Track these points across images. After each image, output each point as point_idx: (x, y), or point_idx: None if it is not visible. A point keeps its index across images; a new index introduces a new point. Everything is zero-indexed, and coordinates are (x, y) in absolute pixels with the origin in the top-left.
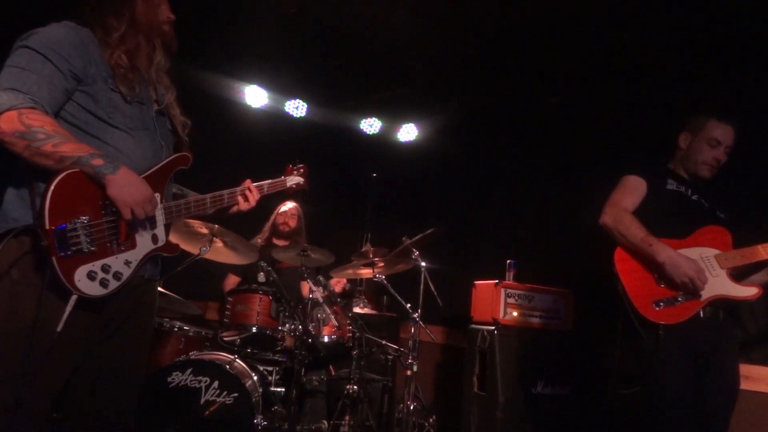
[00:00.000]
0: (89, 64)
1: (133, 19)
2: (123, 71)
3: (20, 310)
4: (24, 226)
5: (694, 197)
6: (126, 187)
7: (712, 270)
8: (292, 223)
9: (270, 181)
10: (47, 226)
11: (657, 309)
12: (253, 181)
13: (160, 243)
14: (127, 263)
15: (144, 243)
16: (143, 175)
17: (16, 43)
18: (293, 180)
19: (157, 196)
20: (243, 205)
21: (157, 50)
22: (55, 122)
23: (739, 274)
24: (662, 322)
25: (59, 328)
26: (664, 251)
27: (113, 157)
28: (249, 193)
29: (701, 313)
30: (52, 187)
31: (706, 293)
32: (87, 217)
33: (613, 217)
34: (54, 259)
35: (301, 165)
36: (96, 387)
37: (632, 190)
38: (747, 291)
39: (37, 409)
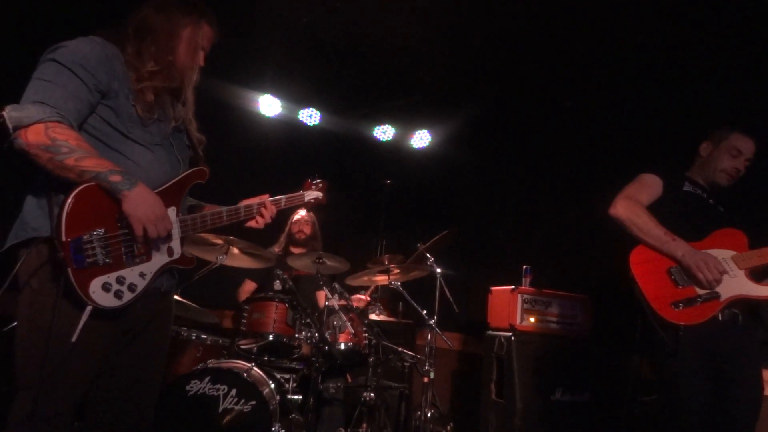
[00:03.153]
0: (113, 79)
1: (173, 63)
2: (145, 105)
3: (40, 319)
4: (35, 230)
5: (711, 201)
6: (141, 204)
7: (730, 271)
8: (307, 230)
9: (287, 195)
10: (64, 238)
11: (676, 310)
12: (271, 194)
13: (176, 256)
14: (142, 275)
15: (159, 256)
16: (160, 189)
17: (43, 56)
18: (311, 195)
19: (173, 209)
20: (259, 222)
21: (185, 90)
22: (80, 137)
23: (757, 275)
24: (682, 323)
25: (74, 339)
26: (684, 245)
27: (131, 174)
28: (264, 210)
29: (720, 316)
30: (69, 200)
31: (726, 293)
32: (103, 230)
33: (629, 210)
34: (69, 270)
35: (319, 180)
36: (114, 395)
37: (648, 187)
38: (767, 290)
39: (57, 418)
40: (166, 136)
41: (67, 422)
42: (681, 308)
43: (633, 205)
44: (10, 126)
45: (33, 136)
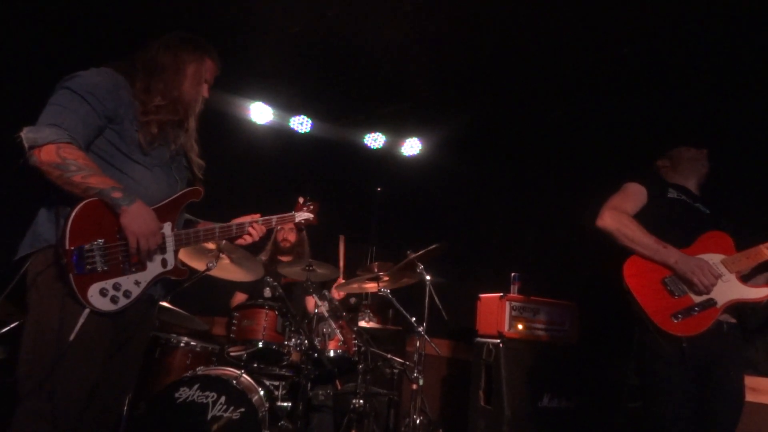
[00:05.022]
0: (120, 106)
1: (179, 98)
2: (149, 136)
3: (44, 320)
4: (45, 241)
5: (696, 205)
6: (137, 218)
7: (722, 276)
8: (292, 238)
9: (279, 216)
10: (67, 246)
11: (676, 322)
12: (259, 208)
13: (169, 267)
14: (137, 283)
15: (154, 266)
16: (157, 206)
17: (58, 84)
18: (302, 216)
19: (169, 224)
20: (247, 239)
21: (189, 120)
22: (87, 157)
23: (747, 276)
24: (685, 335)
25: (71, 338)
26: (675, 252)
27: (131, 192)
28: (252, 230)
29: None
30: (73, 213)
31: (722, 299)
32: (103, 240)
33: (616, 221)
34: (71, 275)
35: (311, 203)
36: (94, 396)
37: (632, 196)
38: (759, 292)
39: (65, 416)
40: (166, 159)
41: (75, 421)
42: (680, 319)
43: (620, 216)
44: (26, 145)
45: (46, 155)
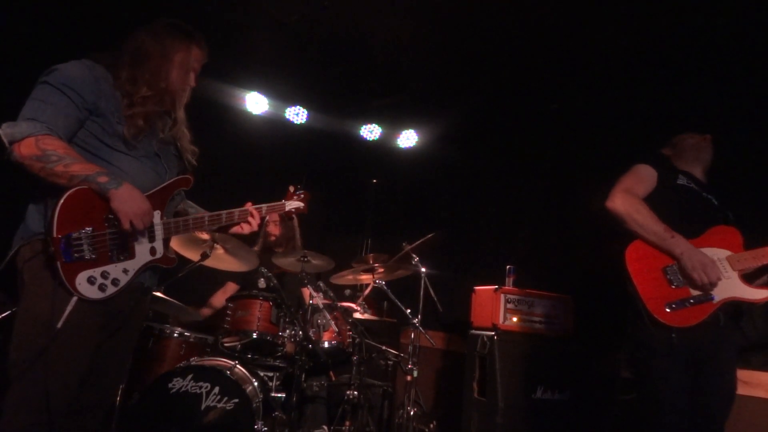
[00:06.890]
0: (100, 98)
1: (166, 88)
2: (135, 130)
3: (33, 308)
4: (34, 233)
5: (705, 194)
6: (127, 200)
7: (724, 272)
8: (276, 231)
9: (269, 204)
10: (54, 235)
11: (669, 311)
12: (254, 199)
13: (158, 255)
14: (125, 271)
15: (142, 254)
16: (145, 194)
17: (39, 78)
18: (293, 204)
19: (158, 213)
20: (244, 228)
21: (176, 109)
22: (68, 146)
23: (749, 276)
24: (675, 325)
25: (59, 325)
26: (684, 243)
27: (118, 175)
28: (251, 219)
29: None
30: (60, 202)
31: (720, 296)
32: (91, 228)
33: (627, 204)
34: (58, 263)
35: (302, 191)
36: (86, 383)
37: (644, 179)
38: (760, 293)
39: (53, 403)
40: (153, 149)
41: (64, 408)
42: (674, 309)
43: (632, 199)
44: (5, 141)
45: (25, 149)
